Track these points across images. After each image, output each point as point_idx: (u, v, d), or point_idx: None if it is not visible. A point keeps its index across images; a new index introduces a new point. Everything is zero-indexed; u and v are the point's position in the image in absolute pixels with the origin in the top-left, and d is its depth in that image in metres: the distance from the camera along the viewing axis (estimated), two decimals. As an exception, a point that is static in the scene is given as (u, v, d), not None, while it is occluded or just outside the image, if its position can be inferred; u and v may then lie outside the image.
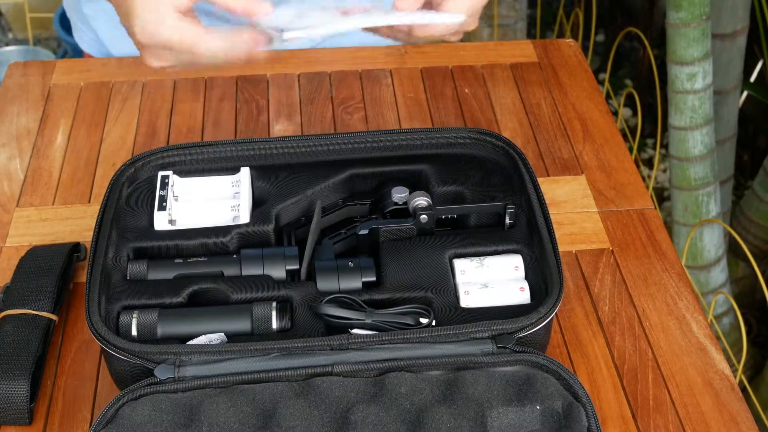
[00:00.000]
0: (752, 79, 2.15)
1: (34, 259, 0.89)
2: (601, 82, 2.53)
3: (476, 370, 0.74)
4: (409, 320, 0.77)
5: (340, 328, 0.77)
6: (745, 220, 1.92)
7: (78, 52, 1.28)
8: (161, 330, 0.78)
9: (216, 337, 0.78)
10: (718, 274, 1.75)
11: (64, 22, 2.44)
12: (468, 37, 2.64)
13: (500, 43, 1.27)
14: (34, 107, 1.15)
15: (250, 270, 0.83)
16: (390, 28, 0.90)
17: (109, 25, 1.22)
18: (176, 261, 0.84)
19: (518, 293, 0.82)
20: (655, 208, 1.01)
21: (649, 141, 2.56)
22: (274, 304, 0.80)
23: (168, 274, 0.83)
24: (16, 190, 1.03)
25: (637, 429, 0.79)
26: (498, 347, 0.75)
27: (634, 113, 2.66)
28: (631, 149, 1.86)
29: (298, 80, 1.19)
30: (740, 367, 1.41)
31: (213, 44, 0.84)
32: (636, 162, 1.68)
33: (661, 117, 2.03)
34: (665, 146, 2.27)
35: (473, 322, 0.76)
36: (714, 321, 1.77)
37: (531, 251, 0.85)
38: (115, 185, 0.89)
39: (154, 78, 1.19)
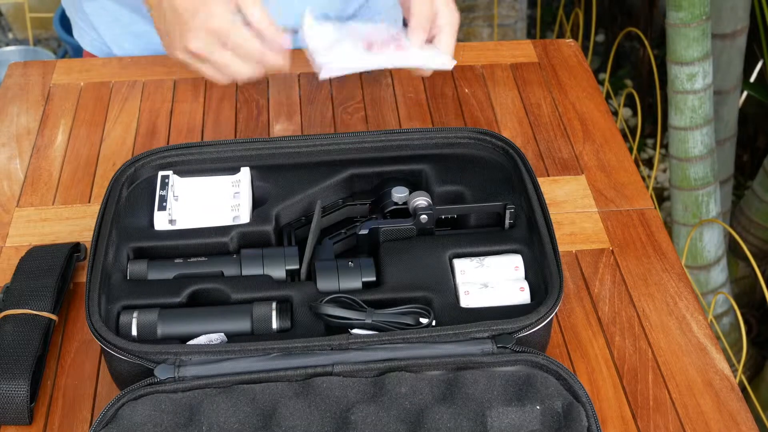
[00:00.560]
0: (752, 79, 2.15)
1: (34, 259, 0.89)
2: (601, 82, 2.53)
3: (476, 370, 0.74)
4: (409, 320, 0.77)
5: (340, 328, 0.77)
6: (745, 220, 1.92)
7: (78, 52, 1.28)
8: (161, 330, 0.78)
9: (216, 337, 0.78)
10: (718, 274, 1.75)
11: (64, 22, 2.44)
12: (468, 37, 2.64)
13: (500, 43, 1.27)
14: (34, 107, 1.15)
15: (250, 270, 0.83)
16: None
17: (110, 23, 1.22)
18: (176, 261, 0.84)
19: (518, 293, 0.82)
20: (655, 208, 1.01)
21: (649, 141, 2.56)
22: (274, 304, 0.80)
23: (168, 274, 0.83)
24: (16, 190, 1.03)
25: (637, 429, 0.79)
26: (498, 347, 0.75)
27: (634, 113, 2.66)
28: (631, 149, 1.86)
29: (298, 80, 1.19)
30: (740, 367, 1.41)
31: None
32: (636, 162, 1.68)
33: (661, 117, 2.03)
34: (665, 146, 2.27)
35: (473, 322, 0.76)
36: (714, 321, 1.77)
37: (531, 251, 0.85)
38: (115, 185, 0.89)
39: (154, 78, 1.19)
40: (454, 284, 0.83)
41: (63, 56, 2.61)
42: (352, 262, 0.83)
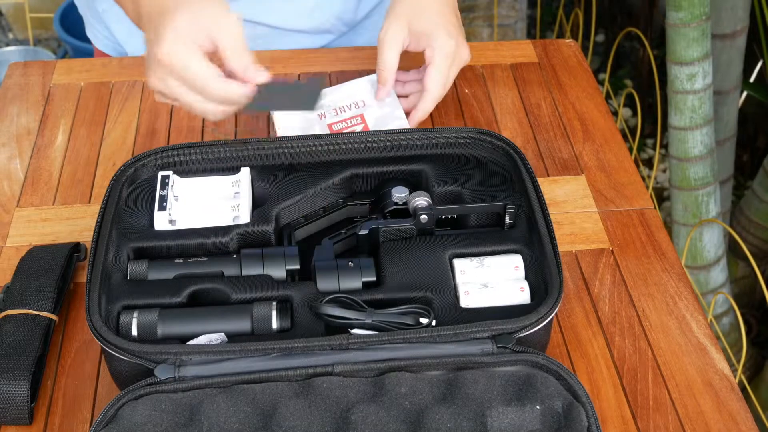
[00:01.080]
0: (752, 79, 2.15)
1: (34, 259, 0.89)
2: (601, 82, 2.53)
3: (476, 370, 0.74)
4: (409, 320, 0.77)
5: (340, 328, 0.77)
6: (745, 220, 1.92)
7: (78, 52, 1.29)
8: (161, 330, 0.78)
9: (216, 337, 0.78)
10: (718, 274, 1.75)
11: (65, 22, 2.44)
12: (468, 37, 2.64)
13: (500, 43, 1.27)
14: (34, 107, 1.15)
15: (250, 270, 0.83)
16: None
17: (124, 22, 1.22)
18: (176, 261, 0.84)
19: (518, 293, 0.82)
20: (655, 208, 1.01)
21: (649, 141, 2.56)
22: (274, 304, 0.80)
23: (168, 274, 0.83)
24: (16, 190, 1.03)
25: (636, 429, 0.79)
26: (498, 347, 0.75)
27: (634, 113, 2.66)
28: (631, 149, 1.86)
29: (298, 80, 1.19)
30: (740, 367, 1.41)
31: (216, 87, 0.86)
32: (636, 162, 1.68)
33: (661, 117, 2.03)
34: (665, 146, 2.27)
35: (473, 322, 0.76)
36: (714, 321, 1.77)
37: (531, 251, 0.85)
38: (115, 185, 0.89)
39: (154, 78, 1.19)
40: (454, 284, 0.83)
41: (63, 56, 2.61)
42: (352, 262, 0.83)
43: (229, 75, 0.87)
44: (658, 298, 0.90)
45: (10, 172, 1.06)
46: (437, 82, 1.04)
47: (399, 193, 0.89)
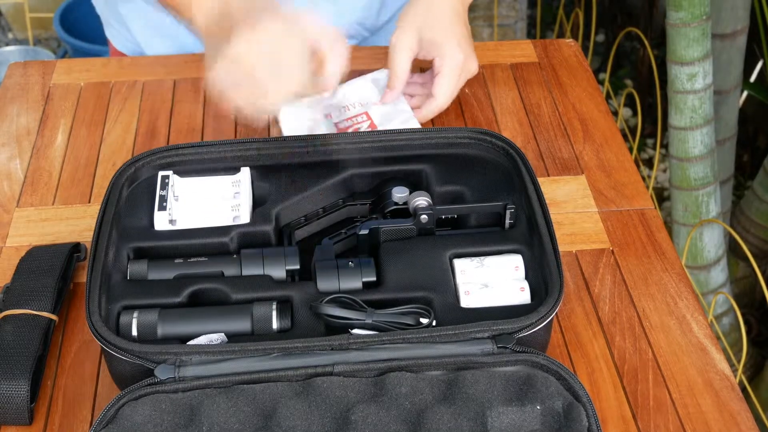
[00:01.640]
0: (752, 79, 2.15)
1: (34, 259, 0.89)
2: (601, 82, 2.53)
3: (476, 370, 0.74)
4: (409, 320, 0.77)
5: (341, 328, 0.77)
6: (745, 220, 1.92)
7: (78, 52, 1.29)
8: (161, 330, 0.78)
9: (216, 338, 0.78)
10: (718, 274, 1.75)
11: (65, 22, 2.44)
12: (468, 37, 2.64)
13: (500, 43, 1.27)
14: (34, 107, 1.15)
15: (250, 270, 0.83)
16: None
17: (145, 26, 1.23)
18: (176, 261, 0.84)
19: (518, 293, 0.82)
20: (655, 208, 1.01)
21: (649, 141, 2.56)
22: (274, 304, 0.80)
23: (168, 274, 0.83)
24: (16, 190, 1.03)
25: (637, 429, 0.79)
26: (498, 347, 0.75)
27: (634, 113, 2.66)
28: (631, 149, 1.86)
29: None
30: (740, 367, 1.41)
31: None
32: (636, 162, 1.68)
33: (661, 117, 2.03)
34: (665, 146, 2.27)
35: (473, 322, 0.76)
36: (714, 321, 1.77)
37: (531, 251, 0.85)
38: (115, 185, 0.89)
39: (154, 78, 1.19)
40: (455, 284, 0.83)
41: (63, 56, 2.61)
42: (352, 262, 0.83)
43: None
44: (659, 298, 0.90)
45: (10, 172, 1.05)
46: (444, 92, 1.07)
47: (399, 193, 0.89)
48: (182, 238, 0.86)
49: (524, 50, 1.25)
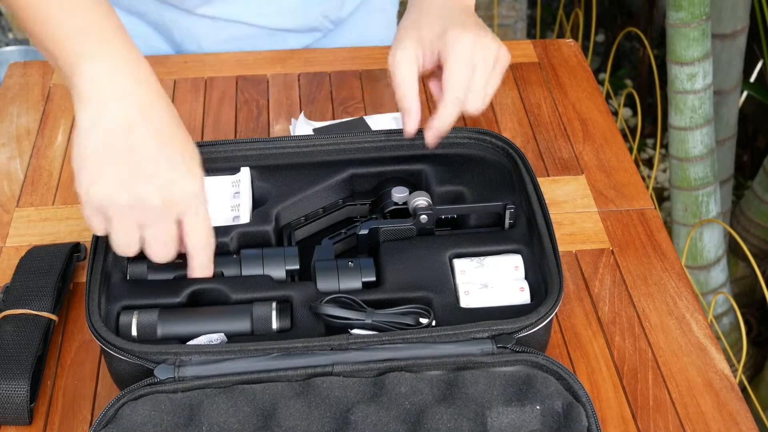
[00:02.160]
0: (752, 79, 2.15)
1: (34, 259, 0.89)
2: (601, 82, 2.53)
3: (476, 370, 0.74)
4: (409, 320, 0.77)
5: (340, 328, 0.77)
6: (745, 220, 1.92)
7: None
8: (161, 330, 0.78)
9: (216, 338, 0.78)
10: (718, 274, 1.75)
11: (64, 22, 2.43)
12: (468, 37, 2.63)
13: (500, 43, 1.27)
14: (34, 107, 1.15)
15: (250, 270, 0.83)
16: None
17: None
18: (176, 261, 0.84)
19: (518, 293, 0.82)
20: (655, 208, 1.01)
21: (649, 141, 2.56)
22: (274, 304, 0.80)
23: (168, 275, 0.83)
24: (16, 190, 1.03)
25: (637, 429, 0.79)
26: (498, 347, 0.75)
27: (634, 113, 2.66)
28: (631, 149, 1.86)
29: (298, 80, 1.19)
30: (740, 367, 1.41)
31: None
32: (636, 162, 1.68)
33: (661, 117, 2.03)
34: (665, 146, 2.27)
35: (473, 322, 0.76)
36: (714, 321, 1.77)
37: (531, 251, 0.85)
38: (115, 185, 0.88)
39: (154, 78, 1.19)
40: (454, 284, 0.83)
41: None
42: (352, 262, 0.83)
43: None
44: (658, 298, 0.90)
45: (10, 172, 1.05)
46: (454, 85, 0.86)
47: (399, 193, 0.89)
48: (182, 238, 0.86)
49: (524, 50, 1.25)
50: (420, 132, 0.94)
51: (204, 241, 0.79)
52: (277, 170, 0.92)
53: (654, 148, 2.52)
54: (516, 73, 1.21)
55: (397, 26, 0.93)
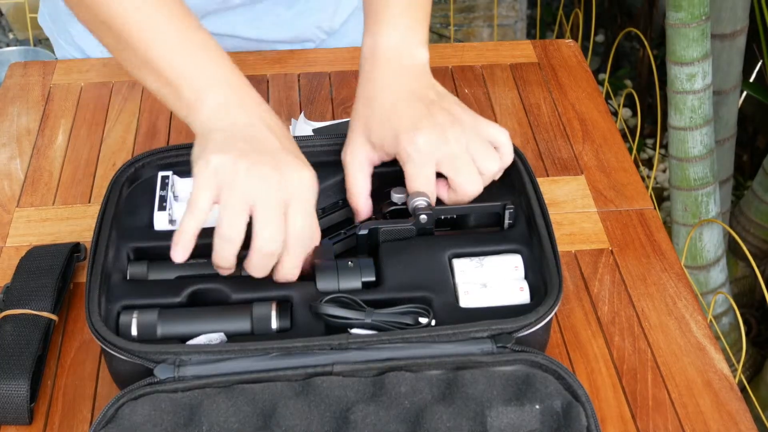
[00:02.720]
0: (752, 79, 2.15)
1: (34, 259, 0.90)
2: (600, 82, 2.53)
3: (476, 370, 0.74)
4: (408, 320, 0.77)
5: (340, 327, 0.77)
6: (745, 220, 1.92)
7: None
8: (161, 330, 0.78)
9: (216, 337, 0.78)
10: (718, 274, 1.75)
11: (64, 22, 2.44)
12: (468, 37, 2.64)
13: (500, 44, 1.27)
14: (34, 107, 1.15)
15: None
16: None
17: (99, 44, 1.21)
18: (188, 261, 0.84)
19: (518, 293, 0.82)
20: (655, 208, 1.01)
21: (649, 141, 2.56)
22: (273, 304, 0.80)
23: (168, 275, 0.83)
24: (16, 190, 1.03)
25: (636, 429, 0.79)
26: (497, 347, 0.75)
27: (634, 113, 2.66)
28: (630, 149, 1.86)
29: (298, 80, 1.19)
30: (740, 367, 1.41)
31: None
32: (636, 162, 1.68)
33: (661, 117, 2.03)
34: (665, 146, 2.28)
35: (473, 321, 0.76)
36: (713, 321, 1.77)
37: (530, 251, 0.85)
38: (115, 185, 0.89)
39: (154, 78, 1.19)
40: (454, 284, 0.83)
41: (63, 56, 2.60)
42: (351, 262, 0.83)
43: None
44: (658, 298, 0.90)
45: (10, 172, 1.06)
46: (418, 186, 0.85)
47: (398, 194, 0.89)
48: (182, 238, 0.86)
49: (524, 50, 1.25)
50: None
51: (300, 232, 0.78)
52: (277, 170, 0.92)
53: (653, 149, 2.52)
54: (516, 73, 1.21)
55: None
